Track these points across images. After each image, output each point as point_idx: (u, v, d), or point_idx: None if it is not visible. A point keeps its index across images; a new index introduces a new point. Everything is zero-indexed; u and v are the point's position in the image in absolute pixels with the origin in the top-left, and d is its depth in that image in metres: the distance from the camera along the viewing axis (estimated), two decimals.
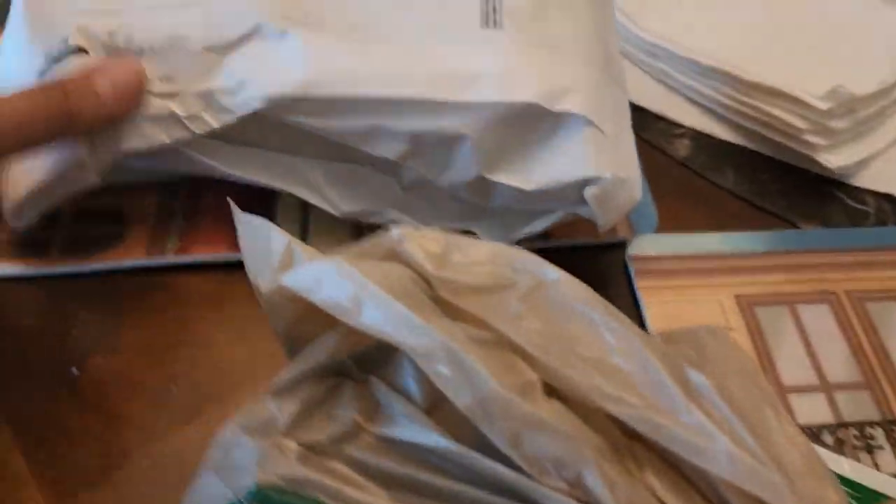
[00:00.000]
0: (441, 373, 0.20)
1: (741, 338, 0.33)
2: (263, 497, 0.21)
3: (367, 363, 0.24)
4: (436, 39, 0.32)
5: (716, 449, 0.19)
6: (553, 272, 0.22)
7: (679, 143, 0.41)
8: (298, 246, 0.23)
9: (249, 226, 0.24)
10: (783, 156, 0.40)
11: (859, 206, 0.39)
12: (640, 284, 0.35)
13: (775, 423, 0.20)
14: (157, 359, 0.33)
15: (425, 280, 0.23)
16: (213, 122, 0.32)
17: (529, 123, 0.31)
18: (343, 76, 0.31)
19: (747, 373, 0.21)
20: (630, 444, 0.21)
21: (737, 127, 0.41)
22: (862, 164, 0.39)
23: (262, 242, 0.23)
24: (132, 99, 0.31)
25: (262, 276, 0.23)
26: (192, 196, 0.38)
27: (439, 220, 0.34)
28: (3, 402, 0.32)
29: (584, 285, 0.22)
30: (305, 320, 0.24)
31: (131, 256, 0.36)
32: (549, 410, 0.20)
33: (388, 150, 0.32)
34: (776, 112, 0.39)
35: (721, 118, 0.42)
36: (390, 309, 0.21)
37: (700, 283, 0.35)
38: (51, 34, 0.33)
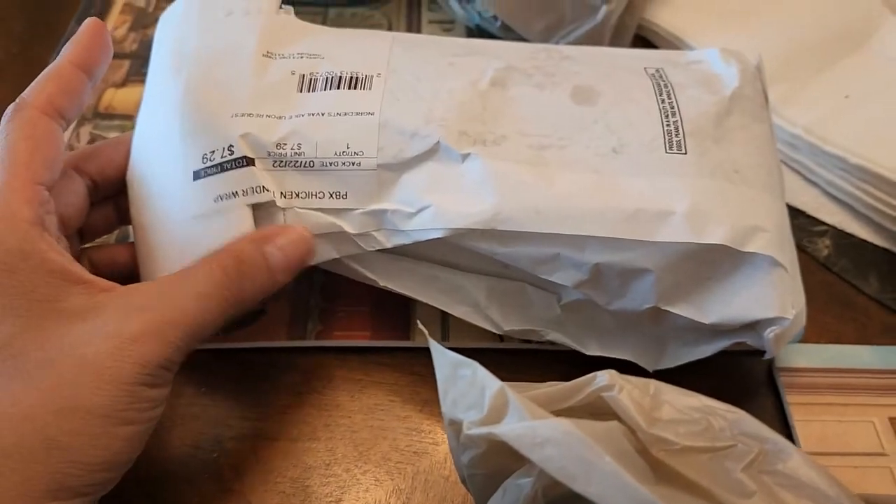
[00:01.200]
0: None
1: None
2: None
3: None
4: (621, 167, 0.32)
5: None
6: (784, 442, 0.23)
7: (820, 241, 0.41)
8: (514, 396, 0.23)
9: (447, 360, 0.24)
10: None
11: None
12: (790, 399, 0.35)
13: None
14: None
15: (633, 434, 0.24)
16: (386, 242, 0.33)
17: (715, 260, 0.31)
18: (531, 213, 0.31)
19: None
20: None
21: (880, 228, 0.41)
22: None
23: (465, 381, 0.24)
24: (298, 269, 0.31)
25: (464, 415, 0.24)
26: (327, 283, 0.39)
27: (596, 339, 0.34)
28: (144, 480, 0.33)
29: (820, 466, 0.22)
30: (493, 454, 0.24)
31: (277, 338, 0.37)
32: None
33: (567, 278, 0.32)
34: None
35: (862, 217, 0.42)
36: (620, 481, 0.21)
37: (850, 401, 0.35)
38: (211, 136, 0.32)
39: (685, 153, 0.32)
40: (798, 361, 0.37)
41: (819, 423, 0.35)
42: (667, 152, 0.32)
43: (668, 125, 0.33)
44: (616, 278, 0.32)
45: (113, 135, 0.45)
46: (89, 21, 0.32)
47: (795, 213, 0.42)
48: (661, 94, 0.34)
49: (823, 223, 0.42)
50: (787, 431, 0.35)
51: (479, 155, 0.32)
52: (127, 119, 0.46)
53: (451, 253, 0.33)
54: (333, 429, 0.35)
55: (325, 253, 0.33)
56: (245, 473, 0.34)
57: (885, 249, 0.41)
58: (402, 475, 0.33)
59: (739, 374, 0.37)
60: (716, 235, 0.30)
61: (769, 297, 0.31)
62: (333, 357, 0.37)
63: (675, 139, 0.33)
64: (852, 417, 0.35)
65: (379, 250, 0.33)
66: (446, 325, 0.38)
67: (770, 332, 0.31)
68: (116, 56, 0.49)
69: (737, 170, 0.32)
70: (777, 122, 0.43)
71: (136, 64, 0.49)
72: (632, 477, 0.21)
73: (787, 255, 0.32)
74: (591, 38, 0.46)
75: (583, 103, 0.34)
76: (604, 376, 0.25)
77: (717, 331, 0.32)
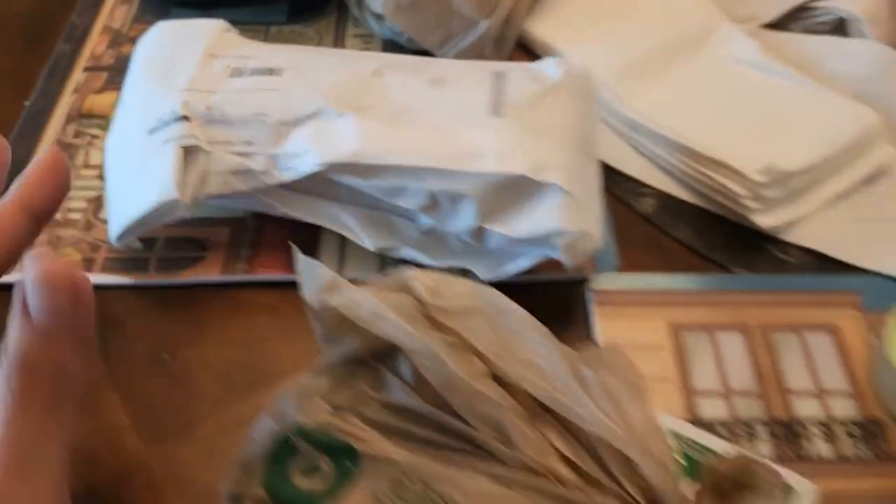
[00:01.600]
0: (423, 364, 0.31)
1: (668, 354, 0.43)
2: (302, 433, 0.32)
3: (378, 356, 0.34)
4: (455, 124, 0.43)
5: (591, 416, 0.29)
6: (510, 305, 0.33)
7: (645, 200, 0.52)
8: (339, 279, 0.34)
9: (305, 262, 0.35)
10: (729, 215, 0.50)
11: (785, 258, 0.49)
12: (595, 311, 0.45)
13: (636, 407, 0.30)
14: (227, 350, 0.45)
15: (423, 305, 0.34)
16: (280, 176, 0.44)
17: (519, 188, 0.42)
18: (384, 150, 0.42)
19: (627, 376, 0.31)
20: (543, 413, 0.31)
21: (693, 190, 0.51)
22: (791, 223, 0.49)
23: (313, 274, 0.34)
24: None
25: (312, 296, 0.34)
26: (257, 229, 0.50)
27: (446, 256, 0.45)
28: (114, 377, 0.44)
29: (530, 316, 0.33)
30: (338, 327, 0.35)
31: (210, 274, 0.48)
32: (491, 389, 0.31)
33: (411, 203, 0.43)
34: (722, 180, 0.49)
35: (681, 182, 0.52)
36: (396, 323, 0.31)
37: (643, 312, 0.45)
38: (163, 105, 0.45)
39: (504, 117, 0.43)
40: (609, 285, 0.47)
41: (616, 327, 0.45)
42: (490, 116, 0.43)
43: (495, 100, 0.44)
44: (448, 203, 0.43)
45: (94, 132, 0.56)
46: (47, 154, 0.30)
47: (628, 179, 0.53)
48: (495, 84, 0.46)
49: (650, 187, 0.52)
50: (592, 332, 0.45)
51: (352, 115, 0.43)
52: (104, 119, 0.57)
53: (330, 188, 0.44)
54: (257, 335, 0.45)
55: (238, 185, 0.44)
56: (189, 369, 0.44)
57: (697, 206, 0.51)
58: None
59: (565, 295, 0.47)
60: (516, 168, 0.41)
61: (557, 215, 0.41)
62: (257, 289, 0.48)
63: (498, 108, 0.44)
64: (642, 323, 0.45)
65: (279, 186, 0.45)
66: (343, 260, 0.48)
67: (559, 241, 0.41)
68: (97, 69, 0.61)
69: (542, 129, 0.43)
70: (620, 109, 0.54)
71: (113, 75, 0.60)
72: (405, 322, 0.31)
73: (579, 190, 0.42)
74: (476, 47, 0.57)
75: (435, 87, 0.45)
76: (411, 271, 0.35)
77: (527, 244, 0.43)
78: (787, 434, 0.40)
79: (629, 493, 0.29)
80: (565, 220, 0.41)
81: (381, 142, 0.42)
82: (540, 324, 0.33)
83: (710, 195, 0.51)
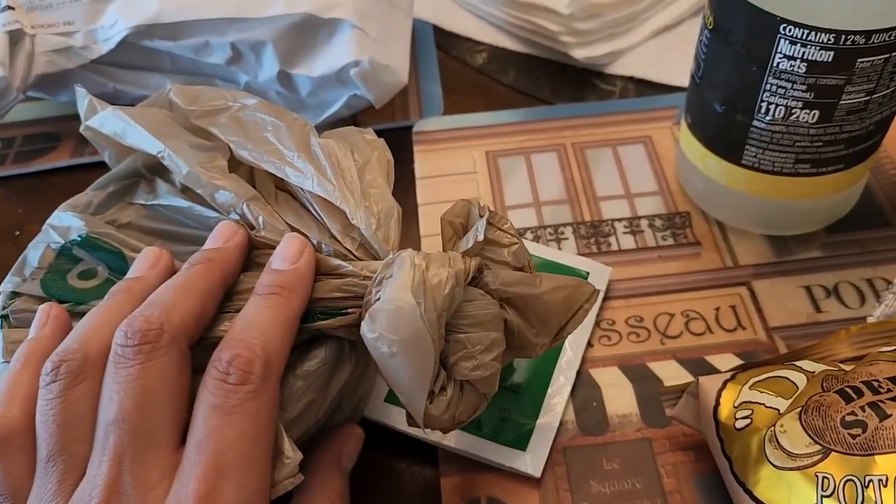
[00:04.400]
0: (170, 166, 0.32)
1: (482, 178, 0.44)
2: (81, 242, 0.33)
3: (154, 170, 0.36)
4: None
5: (310, 177, 0.30)
6: (251, 99, 0.34)
7: (478, 56, 0.53)
8: (99, 102, 0.35)
9: (78, 92, 0.36)
10: (553, 56, 0.51)
11: (608, 88, 0.50)
12: (417, 149, 0.46)
13: (368, 173, 0.31)
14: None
15: (183, 116, 0.35)
16: (101, 49, 0.46)
17: (312, 29, 0.43)
18: (183, 7, 0.44)
19: (363, 149, 0.32)
20: (277, 192, 0.32)
21: (520, 39, 0.53)
22: (614, 56, 0.50)
23: (83, 104, 0.36)
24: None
25: (84, 124, 0.36)
26: None
27: None
28: None
29: (271, 104, 0.34)
30: (116, 148, 0.36)
31: (60, 160, 0.50)
32: (228, 179, 0.32)
33: (218, 58, 0.45)
34: (539, 21, 0.50)
35: (509, 33, 0.53)
36: (139, 132, 0.33)
37: (462, 146, 0.46)
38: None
39: None
40: (431, 126, 0.48)
41: (434, 160, 0.46)
42: None
43: None
44: (250, 52, 0.44)
45: None
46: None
47: (465, 40, 0.54)
48: None
49: (483, 43, 0.54)
50: (412, 166, 0.46)
51: None
52: None
53: (150, 57, 0.46)
54: None
55: (63, 63, 0.46)
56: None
57: (525, 54, 0.53)
58: None
59: (396, 140, 0.48)
60: (304, 7, 0.43)
61: (349, 49, 0.43)
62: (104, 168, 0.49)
63: None
64: (459, 154, 0.46)
65: (105, 63, 0.46)
66: None
67: (353, 72, 0.43)
68: None
69: None
70: None
71: None
72: (149, 130, 0.32)
73: (376, 28, 0.44)
74: None
75: None
76: (171, 86, 0.36)
77: (331, 84, 0.44)
78: (594, 233, 0.42)
79: (345, 247, 0.30)
80: (357, 52, 0.42)
81: (181, 1, 0.44)
82: (276, 106, 0.34)
83: (534, 39, 0.52)
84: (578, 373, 0.36)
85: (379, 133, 0.47)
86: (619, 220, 0.42)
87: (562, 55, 0.51)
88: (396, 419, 0.35)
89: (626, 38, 0.51)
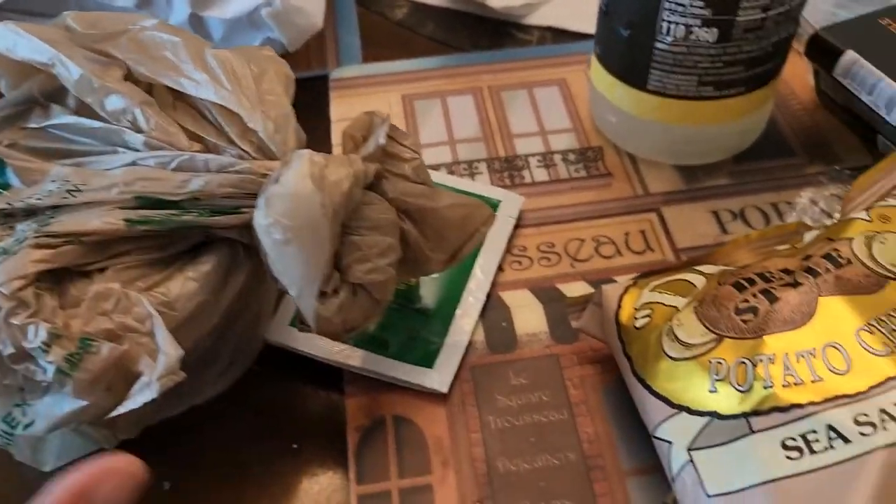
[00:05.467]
0: (61, 74, 0.31)
1: (398, 120, 0.44)
2: None
3: (49, 96, 0.35)
4: None
5: (205, 85, 0.30)
6: (151, 21, 0.33)
7: (398, 10, 0.53)
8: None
9: None
10: (472, 9, 0.52)
11: (526, 38, 0.50)
12: (333, 95, 0.46)
13: (265, 83, 0.31)
14: None
15: (82, 41, 0.34)
16: None
17: None
18: None
19: (262, 63, 0.32)
20: (174, 102, 0.31)
21: None
22: (531, 7, 0.51)
23: None
24: None
25: None
26: None
27: None
28: None
29: (171, 26, 0.33)
30: (14, 75, 0.35)
31: None
32: (124, 87, 0.31)
33: (125, 3, 0.44)
34: None
35: None
36: (31, 43, 0.32)
37: (378, 91, 0.46)
38: None
39: None
40: (348, 73, 0.48)
41: (350, 105, 0.45)
42: None
43: None
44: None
45: None
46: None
47: None
48: None
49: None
50: (328, 112, 0.46)
51: None
52: None
53: (59, 4, 0.45)
54: None
55: None
56: None
57: (443, 7, 0.53)
58: None
59: (310, 89, 0.48)
60: None
61: None
62: None
63: None
64: (375, 98, 0.46)
65: (13, 10, 0.45)
66: None
67: (265, 13, 0.42)
68: None
69: None
70: None
71: None
72: (44, 41, 0.31)
73: None
74: None
75: None
76: (70, 14, 0.35)
77: (245, 27, 0.44)
78: (507, 167, 0.42)
79: (243, 149, 0.29)
80: None
81: None
82: (175, 27, 0.33)
83: None
84: (489, 295, 0.36)
85: (296, 81, 0.48)
86: (533, 154, 0.42)
87: (481, 7, 0.51)
88: (301, 342, 0.34)
89: None
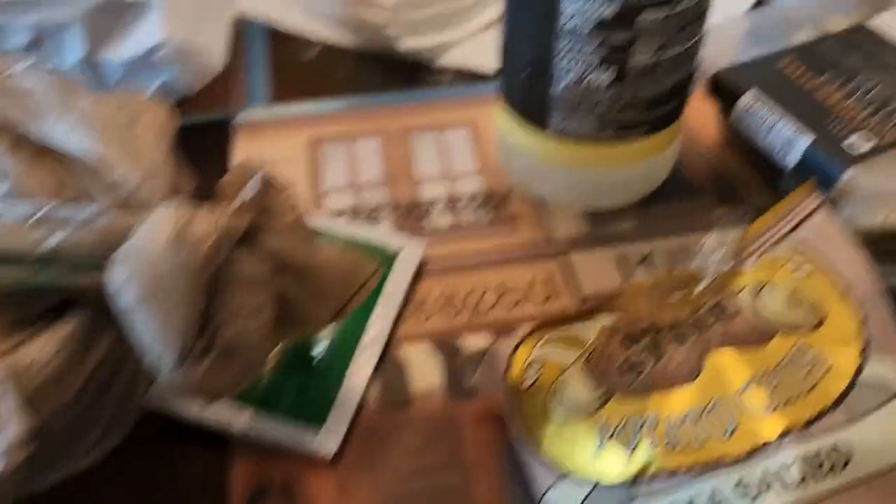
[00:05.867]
0: None
1: (301, 164, 0.43)
2: None
3: None
4: None
5: (71, 134, 0.28)
6: (23, 64, 0.32)
7: (310, 50, 0.52)
8: None
9: None
10: (384, 51, 0.51)
11: (438, 79, 0.49)
12: (238, 138, 0.45)
13: (139, 131, 0.29)
14: None
15: None
16: None
17: (119, 10, 0.41)
18: None
19: (143, 113, 0.31)
20: (39, 151, 0.29)
21: (351, 33, 0.52)
22: (443, 48, 0.50)
23: None
24: None
25: None
26: None
27: None
28: None
29: (43, 70, 0.32)
30: None
31: None
32: None
33: (16, 42, 0.42)
34: (366, 14, 0.49)
35: (342, 29, 0.52)
36: None
37: (283, 134, 0.45)
38: None
39: None
40: (253, 116, 0.46)
41: (253, 148, 0.44)
42: None
43: None
44: (53, 36, 0.42)
45: None
46: None
47: (298, 35, 0.53)
48: None
49: (316, 38, 0.53)
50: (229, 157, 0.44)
51: None
52: None
53: None
54: None
55: None
56: None
57: (356, 49, 0.52)
58: None
59: (223, 129, 0.46)
60: None
61: (156, 31, 0.41)
62: None
63: None
64: (280, 141, 0.44)
65: None
66: None
67: (160, 55, 0.41)
68: None
69: None
70: None
71: None
72: None
73: (188, 12, 0.42)
74: None
75: None
76: None
77: (141, 69, 0.42)
78: (411, 212, 0.40)
79: (109, 202, 0.28)
80: (163, 33, 0.41)
81: None
82: (50, 70, 0.32)
83: (365, 34, 0.51)
84: (385, 349, 0.35)
85: (199, 124, 0.46)
86: (439, 199, 0.41)
87: (392, 49, 0.50)
88: (182, 406, 0.32)
89: (456, 30, 0.51)
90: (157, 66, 0.42)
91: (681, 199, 0.41)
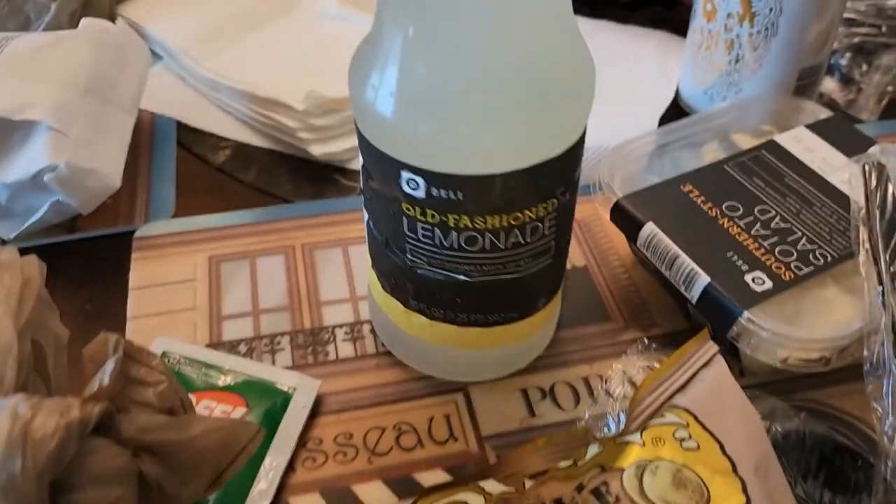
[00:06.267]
0: None
1: (201, 285, 0.41)
2: None
3: None
4: None
5: None
6: None
7: (221, 153, 0.50)
8: None
9: None
10: (295, 152, 0.50)
11: (350, 183, 0.48)
12: (135, 256, 0.43)
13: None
14: None
15: None
16: None
17: (5, 132, 0.40)
18: None
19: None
20: None
21: (264, 135, 0.51)
22: (354, 151, 0.49)
23: None
24: None
25: None
26: None
27: None
28: None
29: None
30: None
31: None
32: None
33: None
34: (279, 118, 0.48)
35: (254, 130, 0.51)
36: None
37: (183, 251, 0.43)
38: None
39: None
40: (154, 231, 0.45)
41: (152, 268, 0.42)
42: None
43: None
44: None
45: None
46: None
47: (209, 136, 0.51)
48: None
49: (229, 140, 0.51)
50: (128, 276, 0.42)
51: None
52: None
53: None
54: None
55: None
56: None
57: (268, 150, 0.50)
58: None
59: (126, 245, 0.45)
60: None
61: (44, 152, 0.39)
62: None
63: None
64: (180, 260, 0.43)
65: None
66: None
67: (48, 177, 0.39)
68: None
69: (35, 74, 0.41)
70: (197, 69, 0.53)
71: None
72: None
73: (81, 130, 0.40)
74: (53, 28, 0.55)
75: None
76: None
77: (30, 190, 0.40)
78: (312, 341, 0.39)
79: None
80: (54, 156, 0.39)
81: None
82: None
83: (277, 136, 0.50)
84: (274, 502, 0.33)
85: (98, 239, 0.44)
86: (341, 325, 0.40)
87: (304, 151, 0.49)
88: None
89: None
90: (48, 188, 0.40)
91: (589, 323, 0.40)
